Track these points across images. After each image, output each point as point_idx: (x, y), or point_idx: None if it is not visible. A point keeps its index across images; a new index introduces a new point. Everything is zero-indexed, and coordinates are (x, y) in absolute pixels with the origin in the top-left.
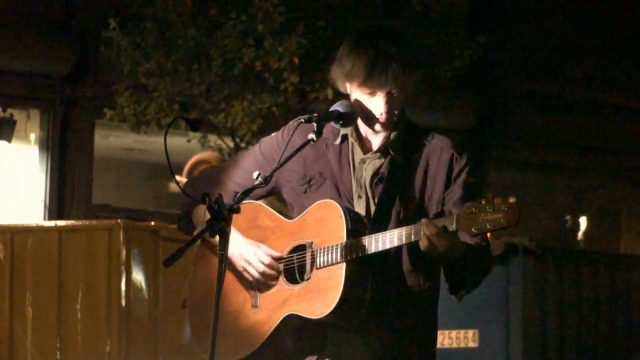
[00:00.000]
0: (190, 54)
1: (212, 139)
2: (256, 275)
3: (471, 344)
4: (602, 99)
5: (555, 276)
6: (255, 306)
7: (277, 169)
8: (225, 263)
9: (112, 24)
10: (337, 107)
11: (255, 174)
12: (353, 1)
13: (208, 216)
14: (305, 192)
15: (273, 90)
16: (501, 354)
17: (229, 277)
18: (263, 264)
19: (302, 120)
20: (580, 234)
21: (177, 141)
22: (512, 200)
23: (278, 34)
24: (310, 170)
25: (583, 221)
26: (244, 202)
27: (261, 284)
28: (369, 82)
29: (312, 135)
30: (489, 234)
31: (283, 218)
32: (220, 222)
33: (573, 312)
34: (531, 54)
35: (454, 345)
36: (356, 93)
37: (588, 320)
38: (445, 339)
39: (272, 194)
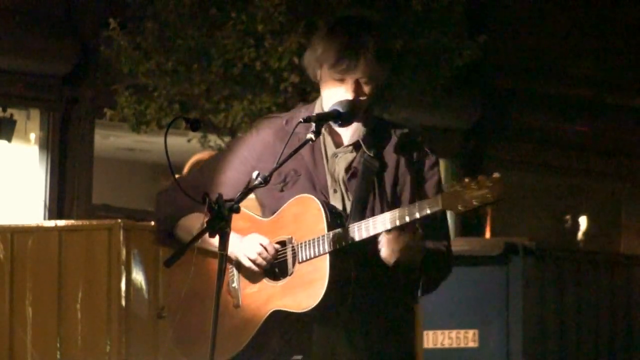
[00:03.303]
0: (190, 54)
1: (212, 139)
2: (264, 263)
3: (471, 344)
4: (602, 99)
5: (555, 276)
6: (237, 306)
7: (276, 168)
8: (225, 263)
9: (112, 24)
10: (337, 106)
11: (254, 174)
12: (353, 1)
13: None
14: (282, 190)
15: (273, 90)
16: (501, 354)
17: (208, 279)
18: (266, 250)
19: (301, 120)
20: (580, 234)
21: (177, 141)
22: (496, 175)
23: (278, 34)
24: (285, 168)
25: (583, 221)
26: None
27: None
28: (339, 66)
29: (310, 135)
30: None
31: (258, 217)
32: (220, 222)
33: (573, 312)
34: (531, 54)
35: (454, 345)
36: (325, 79)
37: (588, 320)
38: (445, 339)
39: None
